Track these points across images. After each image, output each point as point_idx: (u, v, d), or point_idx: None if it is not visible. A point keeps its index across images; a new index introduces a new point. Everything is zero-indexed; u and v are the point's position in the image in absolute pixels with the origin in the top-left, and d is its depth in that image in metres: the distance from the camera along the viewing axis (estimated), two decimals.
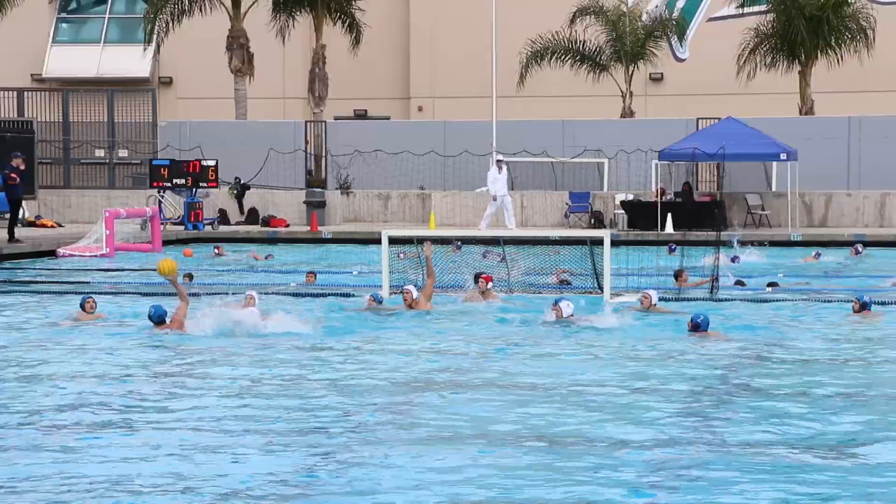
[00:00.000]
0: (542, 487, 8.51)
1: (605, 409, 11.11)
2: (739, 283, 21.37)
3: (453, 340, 15.37)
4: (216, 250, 29.69)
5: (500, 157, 35.80)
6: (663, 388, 12.19)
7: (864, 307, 16.72)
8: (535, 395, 11.85)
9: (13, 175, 29.63)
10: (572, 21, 43.41)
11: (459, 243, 25.97)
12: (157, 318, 15.59)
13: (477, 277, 19.28)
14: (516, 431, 10.20)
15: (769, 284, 21.05)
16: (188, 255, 28.84)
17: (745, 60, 42.75)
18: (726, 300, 19.11)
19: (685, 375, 12.91)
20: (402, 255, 23.21)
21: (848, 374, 13.13)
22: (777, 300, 19.15)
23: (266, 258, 28.81)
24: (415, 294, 18.01)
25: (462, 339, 15.45)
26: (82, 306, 16.95)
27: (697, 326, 15.27)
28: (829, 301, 18.90)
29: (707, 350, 14.55)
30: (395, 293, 19.34)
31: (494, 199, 34.70)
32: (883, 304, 18.16)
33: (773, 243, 32.11)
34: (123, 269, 25.49)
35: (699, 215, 33.94)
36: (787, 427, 10.33)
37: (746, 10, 43.60)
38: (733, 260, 26.10)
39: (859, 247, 29.21)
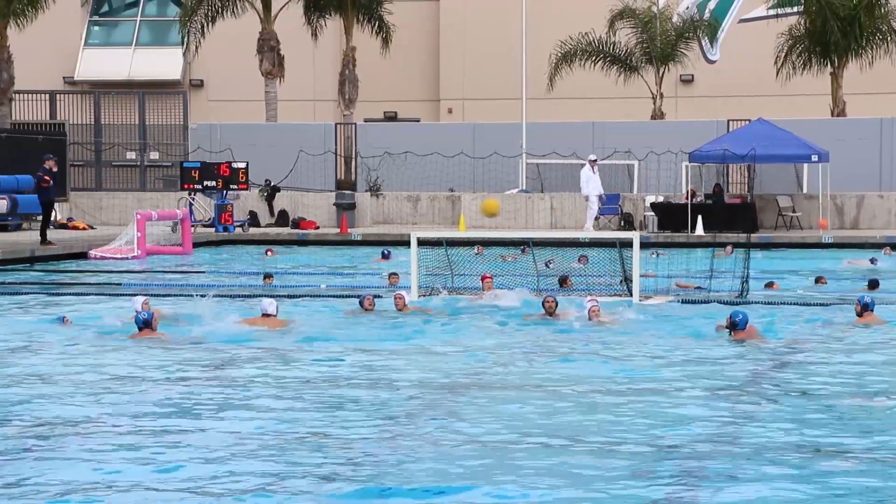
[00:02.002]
0: (553, 490, 8.51)
1: (600, 409, 11.10)
2: (769, 284, 21.34)
3: (452, 344, 15.37)
4: (268, 253, 30.06)
5: (594, 156, 35.82)
6: (680, 389, 12.17)
7: (865, 308, 16.52)
8: (555, 397, 11.85)
9: (46, 177, 29.80)
10: (610, 26, 43.35)
11: (480, 246, 26.13)
12: (143, 323, 15.32)
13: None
14: (529, 433, 10.21)
15: (767, 285, 21.03)
16: (271, 254, 29.56)
17: (782, 63, 42.58)
18: (755, 303, 19.01)
19: (709, 375, 12.88)
20: (479, 250, 23.68)
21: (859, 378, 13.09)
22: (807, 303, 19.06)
23: (266, 254, 29.60)
24: (407, 299, 17.99)
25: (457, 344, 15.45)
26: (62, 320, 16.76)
27: (735, 325, 15.17)
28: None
29: (731, 350, 14.52)
30: (424, 295, 19.38)
31: (587, 199, 34.87)
32: None
33: (804, 245, 32.01)
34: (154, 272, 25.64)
35: (730, 217, 33.83)
36: (805, 429, 10.30)
37: (779, 11, 43.46)
38: (872, 261, 26.22)
39: (889, 248, 29.06)
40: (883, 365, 13.82)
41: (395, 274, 21.77)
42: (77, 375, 13.12)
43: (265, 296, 18.10)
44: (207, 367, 13.69)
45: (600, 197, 35.29)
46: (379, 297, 18.70)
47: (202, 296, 17.88)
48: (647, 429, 10.34)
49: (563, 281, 20.75)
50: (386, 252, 28.19)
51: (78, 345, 15.23)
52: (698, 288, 20.44)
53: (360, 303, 17.95)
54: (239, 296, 20.07)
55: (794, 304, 18.99)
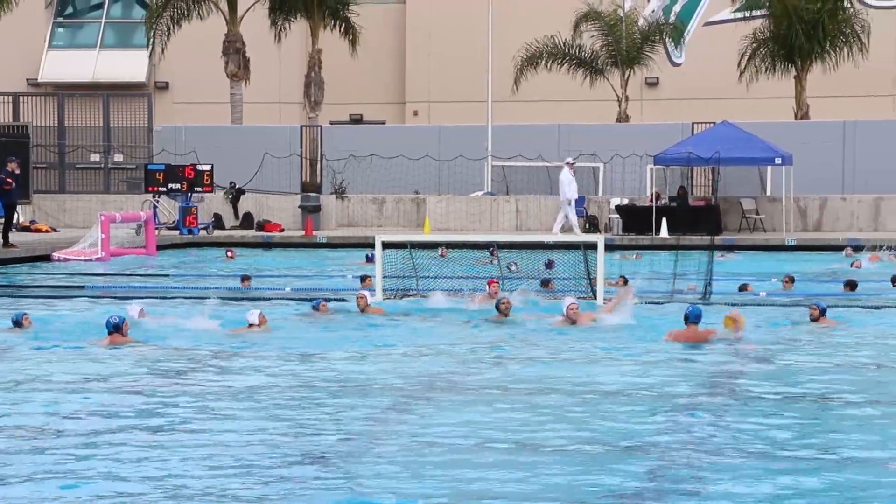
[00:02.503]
0: (529, 488, 8.53)
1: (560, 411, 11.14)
2: (743, 287, 21.47)
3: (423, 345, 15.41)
4: (228, 254, 29.96)
5: (571, 159, 35.82)
6: (647, 391, 12.23)
7: (822, 313, 16.63)
8: (520, 398, 11.87)
9: (8, 180, 29.63)
10: (576, 28, 43.45)
11: (445, 248, 26.12)
12: (113, 328, 15.18)
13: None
14: (507, 435, 10.23)
15: (740, 288, 21.13)
16: (231, 256, 29.48)
17: (745, 66, 42.80)
18: (718, 304, 19.08)
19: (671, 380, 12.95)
20: (443, 252, 23.72)
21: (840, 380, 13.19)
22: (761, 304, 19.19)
23: (227, 255, 29.51)
24: (369, 299, 18.00)
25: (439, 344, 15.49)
26: (20, 322, 16.53)
27: (686, 318, 15.30)
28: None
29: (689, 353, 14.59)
30: (389, 298, 19.39)
31: (569, 203, 34.89)
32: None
33: (767, 248, 32.18)
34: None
35: (694, 219, 33.97)
36: (773, 430, 10.37)
37: (743, 14, 43.67)
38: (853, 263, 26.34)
39: (850, 249, 29.13)
40: (839, 367, 13.94)
41: (367, 276, 21.84)
42: (34, 381, 13.03)
43: (239, 298, 18.02)
44: (170, 373, 13.64)
45: (569, 202, 35.24)
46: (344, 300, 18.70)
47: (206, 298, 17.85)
48: (606, 432, 10.37)
49: (545, 283, 20.75)
50: (370, 255, 27.79)
51: (41, 349, 15.16)
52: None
53: (315, 307, 17.93)
54: (205, 298, 19.99)
55: (758, 305, 19.09)
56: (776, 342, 15.56)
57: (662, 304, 18.99)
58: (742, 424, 10.60)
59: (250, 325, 16.22)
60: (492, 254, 26.01)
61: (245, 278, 22.25)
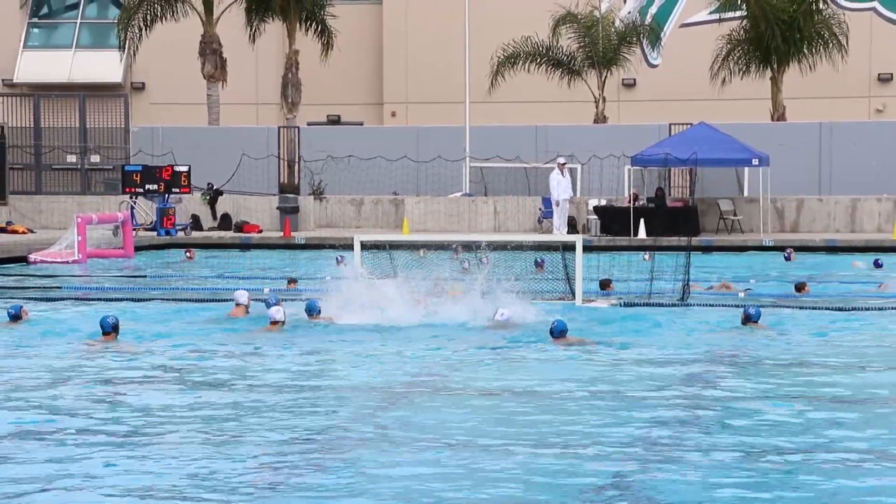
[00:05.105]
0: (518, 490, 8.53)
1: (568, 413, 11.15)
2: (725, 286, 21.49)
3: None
4: (187, 254, 29.83)
5: (563, 160, 35.77)
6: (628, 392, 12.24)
7: (749, 319, 16.60)
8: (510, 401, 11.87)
9: None
10: (554, 31, 43.48)
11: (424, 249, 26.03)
12: (109, 328, 15.14)
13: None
14: (495, 437, 10.22)
15: (707, 287, 21.18)
16: (191, 259, 29.26)
17: (719, 67, 42.91)
18: (695, 305, 19.13)
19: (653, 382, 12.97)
20: (423, 253, 23.63)
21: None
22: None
23: (188, 258, 29.37)
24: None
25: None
26: (17, 316, 16.51)
27: (749, 318, 16.19)
28: (801, 308, 18.97)
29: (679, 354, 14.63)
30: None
31: (558, 205, 34.82)
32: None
33: (744, 248, 32.27)
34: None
35: (672, 220, 34.04)
36: (755, 431, 10.40)
37: (719, 16, 43.75)
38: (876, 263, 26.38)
39: (790, 251, 29.13)
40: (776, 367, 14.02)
41: (293, 280, 21.92)
42: (29, 382, 12.99)
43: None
44: (168, 371, 13.62)
45: (557, 203, 35.17)
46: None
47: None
48: (582, 436, 10.39)
49: (604, 284, 20.66)
50: (339, 258, 27.69)
51: (30, 347, 15.11)
52: (747, 290, 20.88)
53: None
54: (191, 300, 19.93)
55: (735, 306, 19.12)
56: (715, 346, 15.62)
57: (640, 305, 19.02)
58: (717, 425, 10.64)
59: (273, 323, 16.14)
60: (456, 252, 26.00)
61: (291, 281, 22.11)
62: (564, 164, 35.72)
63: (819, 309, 18.72)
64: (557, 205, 35.03)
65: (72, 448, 9.80)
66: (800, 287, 20.89)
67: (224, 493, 8.50)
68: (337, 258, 25.47)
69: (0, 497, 8.31)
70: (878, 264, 26.41)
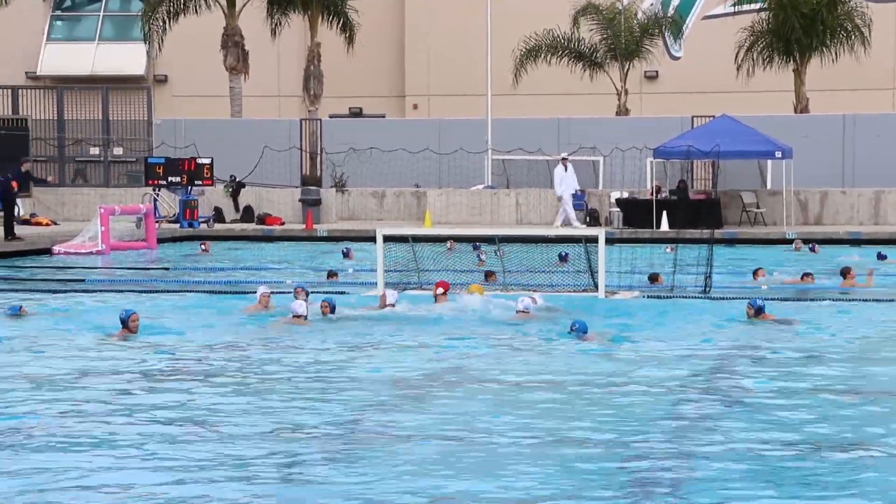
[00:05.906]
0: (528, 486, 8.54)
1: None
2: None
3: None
4: (203, 247, 29.86)
5: (565, 154, 35.74)
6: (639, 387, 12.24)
7: (759, 312, 16.55)
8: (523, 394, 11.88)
9: (14, 182, 29.85)
10: (574, 22, 43.43)
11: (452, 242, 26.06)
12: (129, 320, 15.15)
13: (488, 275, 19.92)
14: (508, 431, 10.23)
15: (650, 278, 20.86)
16: (206, 252, 29.22)
17: (742, 59, 42.78)
18: (719, 298, 19.09)
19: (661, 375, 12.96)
20: (451, 246, 23.71)
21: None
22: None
23: (204, 250, 29.32)
24: (389, 299, 17.64)
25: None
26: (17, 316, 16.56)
27: (761, 310, 16.25)
28: (822, 300, 18.93)
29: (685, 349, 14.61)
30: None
31: (560, 199, 34.83)
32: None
33: (767, 241, 32.17)
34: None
35: (694, 213, 33.94)
36: (773, 427, 10.38)
37: (741, 8, 43.65)
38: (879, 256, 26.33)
39: (800, 243, 29.12)
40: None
41: (334, 272, 21.94)
42: (37, 372, 13.04)
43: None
44: (159, 369, 13.66)
45: (574, 194, 35.24)
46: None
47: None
48: (597, 428, 10.39)
49: (653, 278, 20.61)
50: (346, 250, 27.78)
51: (43, 340, 15.16)
52: (807, 275, 21.03)
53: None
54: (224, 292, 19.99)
55: (773, 299, 19.05)
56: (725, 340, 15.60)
57: (664, 298, 18.99)
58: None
59: (296, 317, 16.13)
60: (476, 248, 26.07)
61: (331, 273, 22.10)
62: (567, 158, 35.66)
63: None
64: (560, 200, 34.95)
65: (93, 442, 9.86)
66: (845, 272, 21.09)
67: (242, 482, 8.54)
68: (343, 250, 25.47)
69: (16, 492, 8.34)
70: (881, 256, 26.38)
